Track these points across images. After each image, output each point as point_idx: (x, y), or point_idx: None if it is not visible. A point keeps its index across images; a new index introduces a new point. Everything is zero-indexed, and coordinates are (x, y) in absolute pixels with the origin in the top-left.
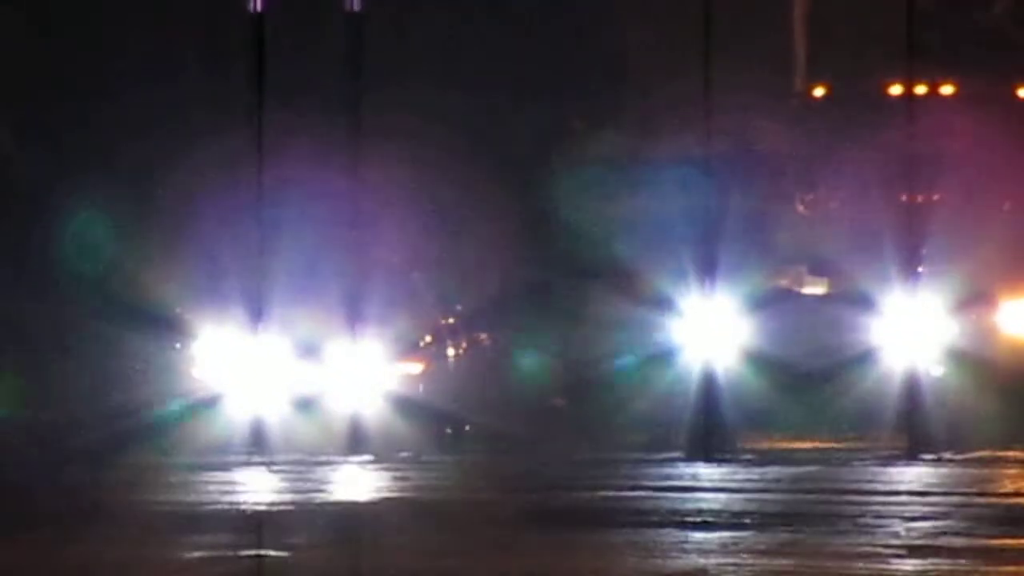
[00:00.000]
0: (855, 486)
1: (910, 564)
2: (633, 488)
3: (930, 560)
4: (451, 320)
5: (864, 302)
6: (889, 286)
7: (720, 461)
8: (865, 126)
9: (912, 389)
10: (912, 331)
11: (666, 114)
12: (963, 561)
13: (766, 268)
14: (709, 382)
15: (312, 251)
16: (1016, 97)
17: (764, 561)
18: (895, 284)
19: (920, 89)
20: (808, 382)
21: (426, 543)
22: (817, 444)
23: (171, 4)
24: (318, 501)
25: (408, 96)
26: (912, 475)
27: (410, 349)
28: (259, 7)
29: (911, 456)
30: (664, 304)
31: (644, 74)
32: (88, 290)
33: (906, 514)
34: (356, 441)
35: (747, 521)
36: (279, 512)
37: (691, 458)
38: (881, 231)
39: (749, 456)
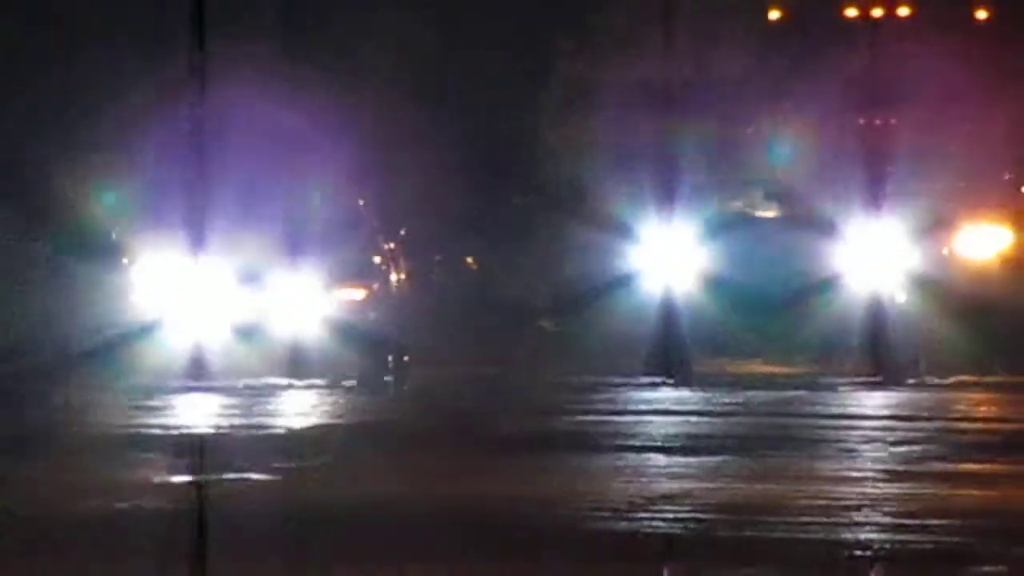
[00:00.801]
0: (831, 410)
1: (896, 488)
2: (609, 412)
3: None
4: (394, 245)
5: (824, 227)
6: (850, 212)
7: (686, 385)
8: (822, 50)
9: (876, 315)
10: (874, 257)
11: (627, 41)
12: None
13: (723, 193)
14: (668, 307)
15: (254, 177)
16: (974, 19)
17: (750, 486)
18: (856, 210)
19: (877, 12)
20: (768, 307)
21: (375, 470)
22: (784, 369)
23: None
24: (260, 426)
25: (359, 17)
26: (883, 400)
27: (353, 275)
28: None
29: (878, 381)
30: (624, 230)
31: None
32: (29, 216)
33: (888, 439)
34: (298, 366)
35: (728, 445)
36: (221, 436)
37: (655, 383)
38: (840, 156)
39: (712, 381)
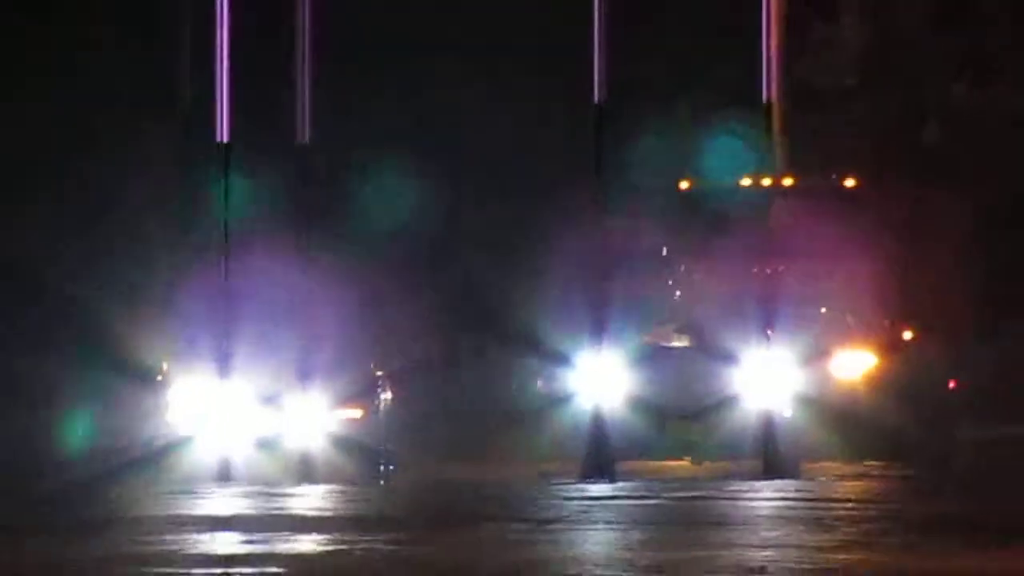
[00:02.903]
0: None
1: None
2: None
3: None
4: (383, 374)
5: (724, 355)
6: (746, 342)
7: (610, 481)
8: (725, 212)
9: (766, 425)
10: (766, 379)
11: (569, 215)
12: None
13: (643, 328)
14: (598, 420)
15: (272, 319)
16: (844, 188)
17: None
18: (751, 340)
19: (766, 181)
20: (678, 419)
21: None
22: (693, 467)
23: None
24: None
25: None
26: (771, 487)
27: (351, 398)
28: (226, 138)
29: (766, 475)
30: (562, 359)
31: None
32: (83, 348)
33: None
34: (307, 472)
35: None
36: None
37: (585, 479)
38: (739, 298)
39: (630, 478)
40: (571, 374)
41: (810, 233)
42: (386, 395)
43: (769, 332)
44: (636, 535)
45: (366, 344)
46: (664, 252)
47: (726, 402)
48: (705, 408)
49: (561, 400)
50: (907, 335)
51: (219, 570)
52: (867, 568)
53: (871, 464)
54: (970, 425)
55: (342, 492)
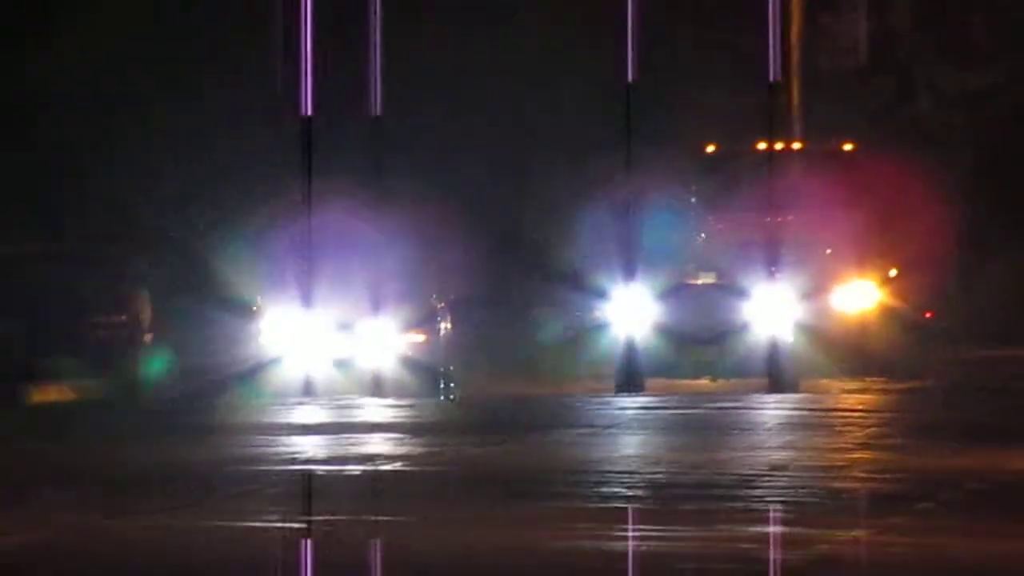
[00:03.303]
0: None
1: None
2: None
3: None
4: (444, 304)
5: (739, 291)
6: (757, 279)
7: (640, 394)
8: (745, 172)
9: (772, 349)
10: (772, 311)
11: (609, 171)
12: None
13: (672, 269)
14: (630, 344)
15: (349, 256)
16: (843, 151)
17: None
18: (762, 278)
19: (779, 145)
20: (698, 344)
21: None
22: (713, 385)
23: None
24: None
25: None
26: (783, 400)
27: (416, 324)
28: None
29: (771, 391)
30: (601, 293)
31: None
32: (195, 287)
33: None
34: (378, 388)
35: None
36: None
37: (619, 394)
38: (752, 243)
39: (658, 393)
40: (607, 306)
41: (814, 189)
42: (446, 323)
43: (774, 271)
44: (677, 439)
45: (428, 279)
46: (691, 203)
47: (739, 330)
48: (721, 334)
49: (598, 328)
50: (893, 273)
51: (328, 467)
52: (873, 465)
53: (866, 381)
54: (943, 349)
55: (411, 406)
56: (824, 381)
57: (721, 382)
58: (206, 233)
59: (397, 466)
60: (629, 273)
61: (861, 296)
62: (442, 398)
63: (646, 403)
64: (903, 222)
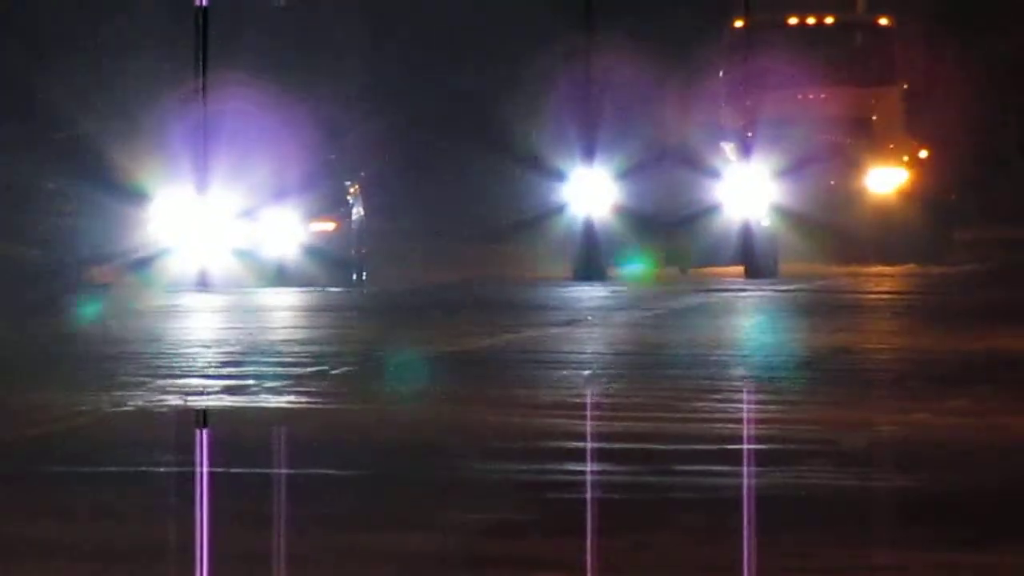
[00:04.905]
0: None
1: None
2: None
3: None
4: (356, 187)
5: (707, 170)
6: (727, 161)
7: (600, 282)
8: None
9: (746, 234)
10: (746, 192)
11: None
12: None
13: (630, 149)
14: (589, 228)
15: (252, 135)
16: (878, 24)
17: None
18: (732, 160)
19: (810, 20)
20: (665, 228)
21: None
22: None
23: None
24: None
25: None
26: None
27: (325, 210)
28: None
29: (748, 277)
30: (557, 173)
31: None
32: (79, 164)
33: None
34: (283, 280)
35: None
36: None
37: (578, 280)
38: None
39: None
40: (564, 187)
41: (851, 64)
42: (358, 208)
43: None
44: (692, 326)
45: (338, 160)
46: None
47: (708, 212)
48: (691, 218)
49: (554, 211)
50: (923, 154)
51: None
52: (920, 350)
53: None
54: (963, 230)
55: (323, 294)
56: (803, 266)
57: (692, 271)
58: (99, 118)
59: None
60: (588, 153)
61: (891, 177)
62: (353, 288)
63: (608, 293)
64: (937, 104)
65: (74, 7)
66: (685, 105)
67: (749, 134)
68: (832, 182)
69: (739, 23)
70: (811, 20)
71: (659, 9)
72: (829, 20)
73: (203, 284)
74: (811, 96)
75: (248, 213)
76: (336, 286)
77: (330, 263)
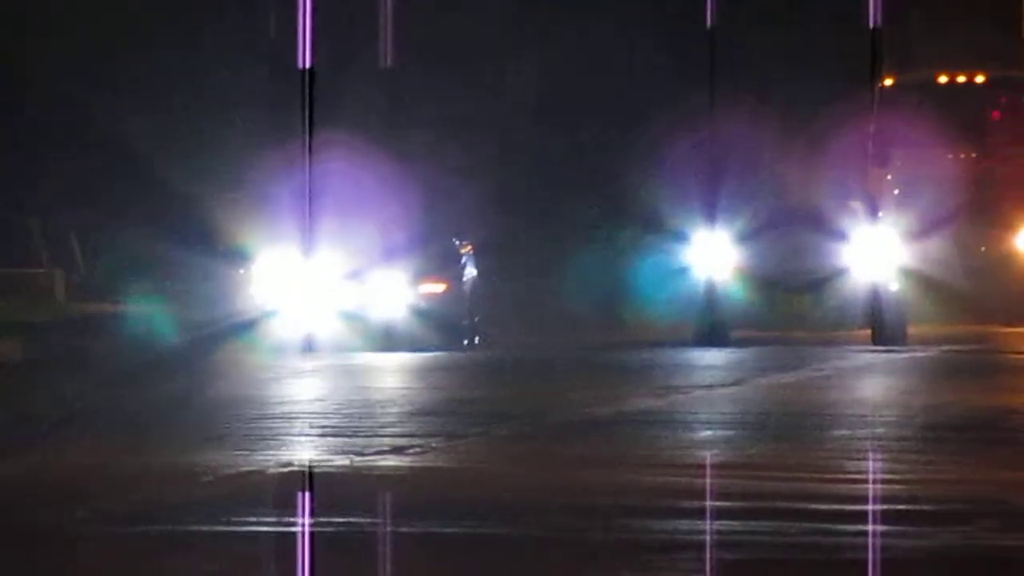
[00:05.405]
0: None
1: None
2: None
3: None
4: (469, 249)
5: (833, 232)
6: (856, 222)
7: (722, 347)
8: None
9: (875, 298)
10: (874, 255)
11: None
12: None
13: (754, 210)
14: (711, 291)
15: (359, 197)
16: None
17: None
18: (861, 221)
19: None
20: (790, 293)
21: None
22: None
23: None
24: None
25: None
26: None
27: (435, 271)
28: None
29: (876, 344)
30: (679, 235)
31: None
32: (180, 230)
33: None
34: (391, 343)
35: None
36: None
37: (698, 345)
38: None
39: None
40: (687, 250)
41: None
42: (470, 268)
43: (876, 213)
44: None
45: (449, 218)
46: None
47: (834, 276)
48: (814, 281)
49: (676, 273)
50: None
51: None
52: None
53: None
54: None
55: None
56: (930, 329)
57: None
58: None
59: None
60: (711, 215)
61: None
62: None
63: (727, 356)
64: None
65: (179, 68)
66: (813, 164)
67: (897, 192)
68: (983, 247)
69: (890, 81)
70: (961, 79)
71: (783, 69)
72: (980, 79)
73: (309, 347)
74: (962, 156)
75: (355, 275)
76: (446, 349)
77: (440, 325)
